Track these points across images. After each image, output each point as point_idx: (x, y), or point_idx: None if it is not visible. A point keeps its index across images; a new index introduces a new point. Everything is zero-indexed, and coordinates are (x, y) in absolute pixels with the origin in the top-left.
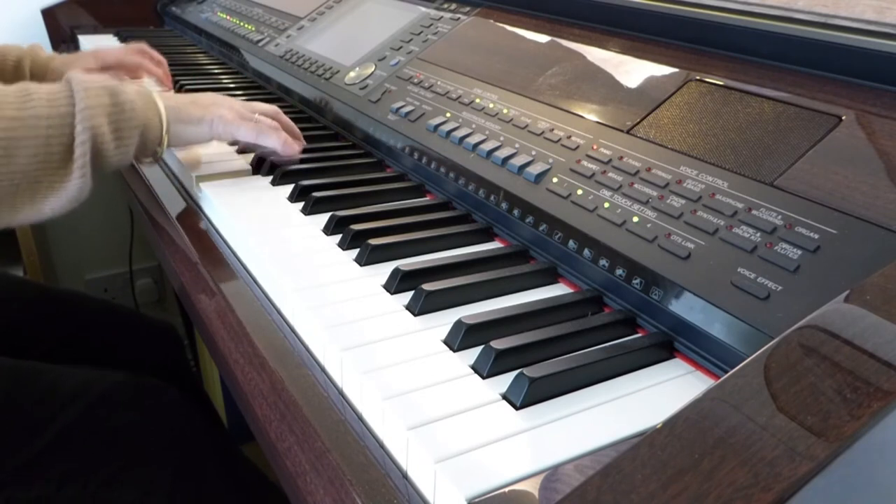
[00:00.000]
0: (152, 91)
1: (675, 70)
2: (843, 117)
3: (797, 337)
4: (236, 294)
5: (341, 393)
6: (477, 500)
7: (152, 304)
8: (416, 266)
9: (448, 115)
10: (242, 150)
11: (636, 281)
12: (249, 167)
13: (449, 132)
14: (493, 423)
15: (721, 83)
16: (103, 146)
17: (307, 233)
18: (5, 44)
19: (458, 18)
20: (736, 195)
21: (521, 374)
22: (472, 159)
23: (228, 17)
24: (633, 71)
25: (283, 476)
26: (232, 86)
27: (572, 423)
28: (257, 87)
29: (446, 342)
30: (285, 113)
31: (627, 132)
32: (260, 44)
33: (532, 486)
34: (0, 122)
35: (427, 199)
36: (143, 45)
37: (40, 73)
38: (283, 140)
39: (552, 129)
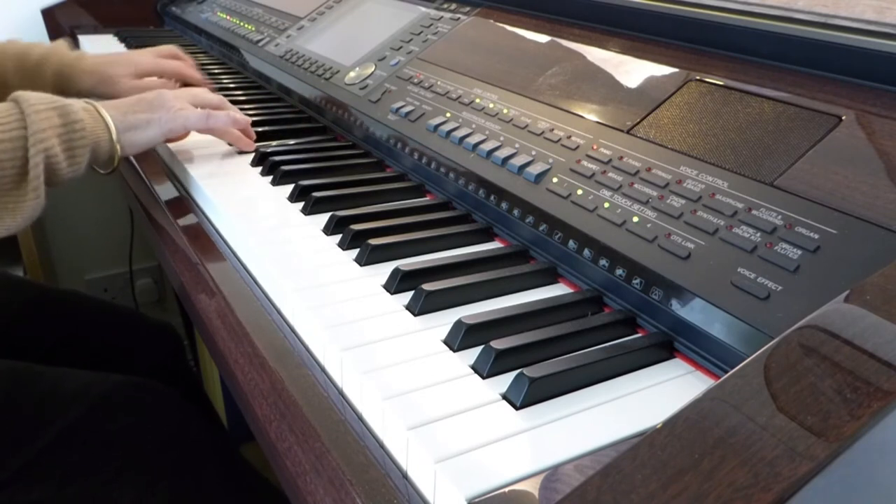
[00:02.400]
0: (98, 105)
1: (675, 70)
2: (843, 117)
3: (797, 337)
4: (236, 294)
5: (341, 393)
6: (477, 500)
7: (152, 304)
8: (416, 266)
9: (448, 115)
10: (242, 150)
11: (636, 281)
12: (250, 166)
13: (449, 132)
14: (493, 423)
15: (721, 83)
16: (56, 166)
17: (307, 233)
18: (30, 42)
19: (458, 18)
20: (736, 195)
21: (521, 374)
22: (472, 159)
23: (228, 17)
24: (633, 71)
25: (283, 476)
26: (232, 86)
27: (572, 423)
28: (257, 87)
29: (446, 342)
30: (285, 113)
31: (627, 132)
32: (260, 44)
33: (532, 486)
34: None
35: (427, 199)
36: (174, 48)
37: (68, 73)
38: (232, 118)
39: (552, 129)
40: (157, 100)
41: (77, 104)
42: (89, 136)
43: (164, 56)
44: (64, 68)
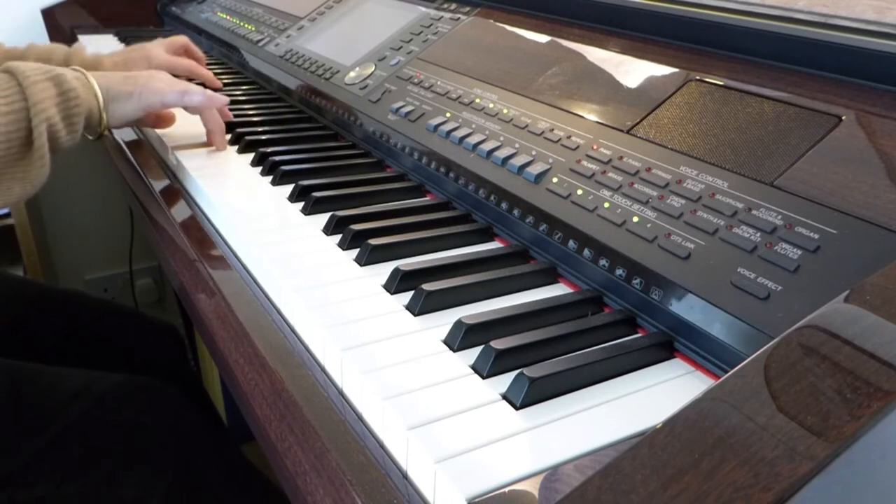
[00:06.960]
0: (87, 73)
1: (675, 70)
2: (843, 117)
3: (797, 337)
4: (236, 294)
5: (341, 393)
6: (477, 500)
7: (152, 304)
8: (416, 266)
9: (448, 115)
10: (242, 149)
11: (636, 281)
12: (249, 166)
13: (449, 132)
14: (493, 423)
15: (721, 83)
16: (57, 134)
17: (307, 233)
18: (49, 44)
19: (458, 18)
20: (736, 195)
21: (521, 374)
22: (472, 159)
23: (228, 17)
24: (633, 71)
25: (283, 476)
26: (232, 86)
27: (572, 423)
28: (257, 87)
29: (446, 342)
30: (285, 113)
31: (627, 132)
32: (260, 44)
33: (532, 486)
34: None
35: (427, 199)
36: (184, 39)
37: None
38: (209, 96)
39: (552, 129)
40: (145, 77)
41: (68, 73)
42: (83, 104)
43: (176, 48)
44: (87, 68)
